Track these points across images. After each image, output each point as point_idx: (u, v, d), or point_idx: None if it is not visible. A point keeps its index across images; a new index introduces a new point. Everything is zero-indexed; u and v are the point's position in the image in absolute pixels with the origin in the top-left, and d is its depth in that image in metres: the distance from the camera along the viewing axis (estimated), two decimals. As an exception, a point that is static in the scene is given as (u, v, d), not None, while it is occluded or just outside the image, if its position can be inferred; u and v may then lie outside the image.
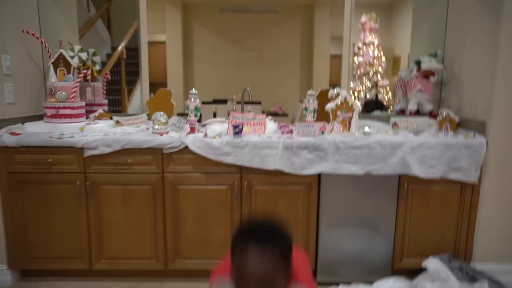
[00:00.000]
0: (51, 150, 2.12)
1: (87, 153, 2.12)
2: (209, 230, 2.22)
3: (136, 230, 2.21)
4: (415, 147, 2.10)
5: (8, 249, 2.21)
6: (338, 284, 2.15)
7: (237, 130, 2.14)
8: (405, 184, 2.18)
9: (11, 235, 2.20)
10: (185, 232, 2.22)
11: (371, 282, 2.10)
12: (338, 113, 2.19)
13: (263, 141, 2.11)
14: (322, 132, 2.18)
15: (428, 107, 2.56)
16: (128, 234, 2.22)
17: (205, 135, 2.15)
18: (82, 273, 2.30)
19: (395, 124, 2.26)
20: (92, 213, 2.19)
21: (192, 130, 2.22)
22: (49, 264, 2.24)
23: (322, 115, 2.29)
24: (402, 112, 2.71)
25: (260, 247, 0.90)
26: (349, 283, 2.16)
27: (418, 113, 2.60)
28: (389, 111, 2.96)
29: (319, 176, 2.18)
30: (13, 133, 2.15)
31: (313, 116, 2.28)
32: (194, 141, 2.10)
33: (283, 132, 2.21)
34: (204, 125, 2.48)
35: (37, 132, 2.22)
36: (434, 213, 2.22)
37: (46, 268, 2.25)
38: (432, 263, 2.11)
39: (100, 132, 2.22)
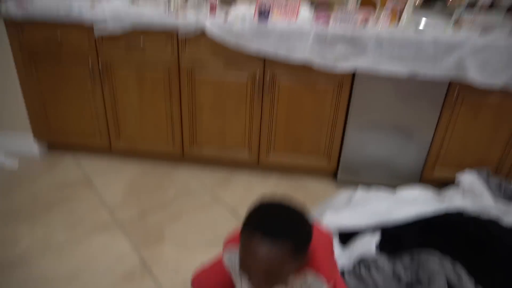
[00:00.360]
0: (60, 26, 1.94)
1: (98, 32, 1.91)
2: (227, 121, 2.11)
3: (151, 115, 2.14)
4: (478, 49, 1.71)
5: (31, 120, 2.25)
6: (358, 185, 2.07)
7: (264, 15, 1.82)
8: (454, 93, 1.87)
9: (32, 108, 2.21)
10: (201, 121, 2.13)
11: (394, 187, 2.00)
12: (388, 1, 1.78)
13: (292, 29, 1.80)
14: (365, 23, 1.81)
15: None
16: (144, 117, 2.15)
17: (227, 19, 1.86)
18: (103, 150, 2.34)
19: (458, 20, 1.82)
20: (107, 95, 2.10)
21: (213, 11, 1.91)
22: (71, 138, 2.28)
23: (367, 2, 1.88)
24: (472, 7, 2.19)
25: (267, 241, 0.78)
26: (369, 184, 2.08)
27: (492, 6, 2.07)
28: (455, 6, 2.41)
29: (353, 75, 1.90)
30: (20, 6, 1.94)
31: (357, 4, 1.87)
32: (213, 25, 1.82)
33: (317, 20, 1.86)
34: (228, 6, 2.14)
35: (48, 6, 1.97)
36: (482, 128, 1.95)
37: (69, 141, 2.31)
38: (467, 177, 1.94)
39: (112, 10, 1.96)
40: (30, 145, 2.33)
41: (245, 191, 2.10)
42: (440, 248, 1.48)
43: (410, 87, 1.89)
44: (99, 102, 2.13)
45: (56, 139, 2.31)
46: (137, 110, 2.14)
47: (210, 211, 1.92)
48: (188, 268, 1.51)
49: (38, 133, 2.30)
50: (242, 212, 1.84)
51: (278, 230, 0.80)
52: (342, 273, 1.54)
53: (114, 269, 1.53)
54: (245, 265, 0.82)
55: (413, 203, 1.73)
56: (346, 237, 1.65)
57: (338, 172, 2.18)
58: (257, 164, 2.27)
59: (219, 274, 1.12)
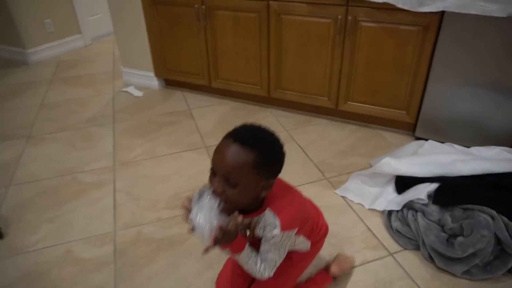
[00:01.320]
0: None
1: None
2: (309, 66, 2.23)
3: (243, 57, 2.40)
4: None
5: (153, 62, 2.76)
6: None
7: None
8: None
9: (153, 49, 2.70)
10: (286, 64, 2.30)
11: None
12: None
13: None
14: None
15: None
16: (237, 59, 2.43)
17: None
18: (205, 89, 2.75)
19: None
20: (209, 37, 2.44)
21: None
22: (181, 76, 2.73)
23: None
24: None
25: (235, 145, 0.86)
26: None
27: None
28: None
29: (441, 15, 1.79)
30: None
31: None
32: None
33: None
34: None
35: None
36: None
37: (179, 80, 2.77)
38: None
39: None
40: (152, 81, 2.87)
41: (319, 136, 2.24)
42: (497, 208, 1.41)
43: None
44: (203, 44, 2.48)
45: (170, 77, 2.79)
46: (232, 53, 2.42)
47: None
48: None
49: (158, 72, 2.81)
50: (310, 154, 2.02)
51: (248, 141, 0.86)
52: (389, 214, 1.61)
53: (196, 178, 1.91)
54: (212, 165, 0.89)
55: (484, 160, 1.62)
56: (403, 187, 1.68)
57: (417, 127, 2.12)
58: (335, 112, 2.36)
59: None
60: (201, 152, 2.12)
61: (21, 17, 3.30)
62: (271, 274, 1.04)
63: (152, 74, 2.83)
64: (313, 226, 1.18)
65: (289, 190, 1.06)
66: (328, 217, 1.61)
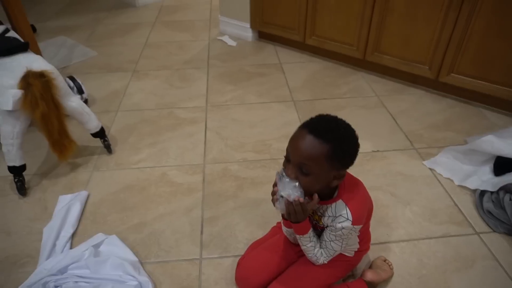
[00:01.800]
0: None
1: None
2: (414, 29, 2.09)
3: (344, 14, 2.31)
4: None
5: (251, 14, 2.79)
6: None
7: None
8: None
9: (253, 2, 2.72)
10: (389, 26, 2.17)
11: None
12: None
13: None
14: None
15: None
16: (337, 16, 2.36)
17: None
18: (297, 45, 2.73)
19: None
20: (311, -9, 2.39)
21: None
22: (275, 30, 2.73)
23: None
24: None
25: (310, 136, 0.87)
26: None
27: None
28: None
29: None
30: None
31: None
32: None
33: None
34: None
35: None
36: None
37: (273, 33, 2.78)
38: None
39: None
40: (247, 32, 2.92)
41: (412, 106, 2.13)
42: None
43: None
44: (303, -1, 2.44)
45: (265, 30, 2.81)
46: (332, 9, 2.35)
47: (372, 113, 2.07)
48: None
49: (254, 24, 2.85)
50: (400, 122, 1.94)
51: (322, 133, 0.87)
52: (482, 194, 1.52)
53: (280, 127, 1.96)
54: (287, 153, 0.92)
55: None
56: (503, 169, 1.56)
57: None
58: (434, 83, 2.21)
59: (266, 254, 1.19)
60: (289, 105, 2.15)
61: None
62: (326, 262, 1.08)
63: (247, 25, 2.88)
64: (367, 228, 1.17)
65: (356, 182, 1.05)
66: (413, 186, 1.59)
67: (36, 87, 1.42)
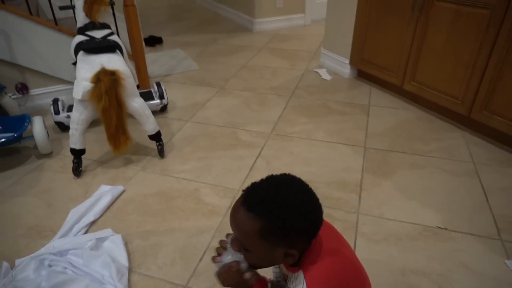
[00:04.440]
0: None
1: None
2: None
3: (451, 61, 1.97)
4: None
5: (352, 47, 2.63)
6: None
7: None
8: None
9: (356, 36, 2.56)
10: (508, 81, 1.75)
11: None
12: None
13: None
14: None
15: None
16: (443, 63, 2.02)
17: None
18: (394, 88, 2.44)
19: None
20: (418, 30, 2.10)
21: None
22: (374, 70, 2.50)
23: None
24: None
25: (242, 209, 0.72)
26: None
27: None
28: None
29: None
30: None
31: None
32: None
33: None
34: None
35: None
36: None
37: (371, 73, 2.54)
38: None
39: None
40: (345, 68, 2.76)
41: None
42: None
43: None
44: (409, 38, 2.17)
45: (364, 68, 2.61)
46: (439, 54, 2.03)
47: (457, 181, 1.67)
48: (389, 214, 1.51)
49: (353, 62, 2.67)
50: (493, 201, 1.56)
51: (254, 206, 0.71)
52: None
53: (336, 172, 1.73)
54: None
55: None
56: None
57: None
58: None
59: None
60: (357, 150, 1.91)
61: (260, -11, 3.74)
62: None
63: (347, 61, 2.72)
64: None
65: (332, 250, 0.81)
66: (477, 287, 1.19)
67: (103, 83, 1.57)
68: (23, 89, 2.27)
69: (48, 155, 1.90)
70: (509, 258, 1.30)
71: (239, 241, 0.78)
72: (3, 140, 1.74)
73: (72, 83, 2.38)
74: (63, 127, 2.09)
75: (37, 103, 2.35)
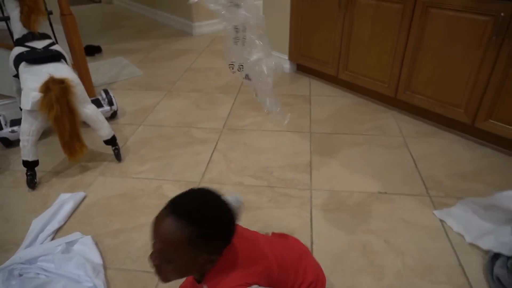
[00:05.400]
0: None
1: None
2: (449, 68, 1.93)
3: (377, 51, 2.23)
4: None
5: (290, 44, 2.83)
6: None
7: None
8: None
9: (292, 34, 2.76)
10: (422, 64, 2.04)
11: None
12: None
13: None
14: None
15: None
16: (369, 52, 2.28)
17: None
18: (331, 79, 2.68)
19: None
20: (346, 25, 2.34)
21: None
22: (311, 63, 2.72)
23: None
24: None
25: (170, 217, 0.77)
26: None
27: None
28: None
29: None
30: None
31: None
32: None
33: None
34: None
35: None
36: None
37: (309, 66, 2.76)
38: None
39: None
40: (285, 64, 2.96)
41: (439, 150, 1.93)
42: None
43: None
44: (338, 33, 2.41)
45: (302, 62, 2.82)
46: (366, 45, 2.29)
47: (391, 153, 1.92)
48: (338, 187, 1.69)
49: (292, 57, 2.87)
50: (421, 166, 1.79)
51: (184, 214, 0.78)
52: (495, 257, 1.29)
53: (287, 157, 1.90)
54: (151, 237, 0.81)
55: None
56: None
57: None
58: (470, 129, 1.99)
59: None
60: (304, 136, 2.09)
61: (196, -6, 3.82)
62: None
63: (286, 57, 2.91)
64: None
65: (236, 264, 0.87)
66: (413, 236, 1.41)
67: (53, 92, 1.58)
68: (-44, 107, 2.15)
69: (-4, 171, 1.84)
70: (436, 209, 1.54)
71: (158, 253, 0.80)
72: None
73: (10, 97, 2.30)
74: (7, 143, 2.02)
75: (-26, 122, 2.23)
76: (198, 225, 0.78)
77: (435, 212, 1.52)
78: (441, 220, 1.48)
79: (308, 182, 1.72)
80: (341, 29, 2.39)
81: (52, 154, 1.93)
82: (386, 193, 1.64)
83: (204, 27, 4.02)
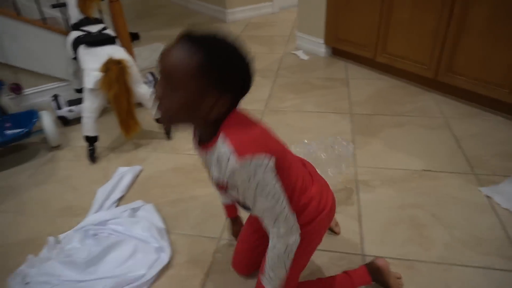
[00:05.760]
0: None
1: None
2: (495, 49, 1.91)
3: (417, 32, 2.23)
4: None
5: (326, 28, 2.85)
6: None
7: None
8: None
9: (328, 17, 2.78)
10: (465, 45, 2.03)
11: None
12: None
13: None
14: None
15: None
16: (410, 34, 2.28)
17: None
18: (367, 62, 2.70)
19: None
20: (385, 7, 2.35)
21: None
22: (348, 46, 2.74)
23: None
24: None
25: (184, 41, 0.71)
26: None
27: None
28: None
29: None
30: None
31: None
32: None
33: None
34: None
35: None
36: None
37: (346, 50, 2.78)
38: None
39: None
40: (320, 48, 2.99)
41: (484, 131, 1.93)
42: None
43: None
44: (377, 14, 2.41)
45: (338, 46, 2.84)
46: (405, 26, 2.29)
47: (433, 134, 1.94)
48: (381, 164, 1.73)
49: (328, 40, 2.90)
50: (465, 146, 1.80)
51: (197, 38, 0.71)
52: None
53: (328, 136, 1.95)
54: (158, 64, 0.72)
55: None
56: None
57: None
58: (515, 109, 1.98)
59: None
60: (344, 116, 2.14)
61: (230, -19, 3.88)
62: (288, 230, 0.86)
63: (322, 41, 2.94)
64: (296, 184, 0.89)
65: (254, 123, 0.82)
66: (461, 211, 1.45)
67: (113, 72, 1.69)
68: (17, 89, 2.30)
69: (57, 147, 1.98)
70: (482, 185, 1.57)
71: (165, 79, 0.72)
72: (14, 136, 1.81)
73: (63, 80, 2.45)
74: (66, 122, 2.16)
75: (31, 102, 2.38)
76: (212, 51, 0.71)
77: (482, 189, 1.55)
78: (488, 197, 1.51)
79: (352, 160, 1.77)
80: (379, 11, 2.40)
81: (107, 132, 2.05)
82: (430, 170, 1.68)
83: (237, 13, 4.08)
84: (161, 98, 0.74)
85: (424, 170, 1.68)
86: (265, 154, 0.75)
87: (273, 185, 0.79)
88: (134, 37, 3.68)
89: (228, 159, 0.74)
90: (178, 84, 0.71)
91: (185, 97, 0.72)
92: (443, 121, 2.04)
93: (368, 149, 1.85)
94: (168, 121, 0.77)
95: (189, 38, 0.71)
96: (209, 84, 0.72)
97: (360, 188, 1.59)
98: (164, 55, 0.72)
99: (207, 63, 0.70)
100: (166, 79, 0.72)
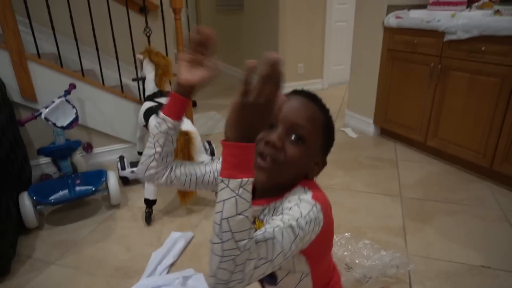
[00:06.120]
0: (418, 32, 2.45)
1: (446, 38, 2.27)
2: (554, 146, 1.89)
3: (471, 119, 2.26)
4: None
5: (376, 108, 2.96)
6: None
7: None
8: None
9: (379, 99, 2.90)
10: (522, 138, 2.02)
11: None
12: None
13: None
14: None
15: None
16: (463, 121, 2.31)
17: None
18: (417, 145, 2.72)
19: None
20: (437, 94, 2.43)
21: None
22: (397, 128, 2.80)
23: None
24: None
25: (311, 99, 0.79)
26: None
27: None
28: None
29: None
30: (397, 17, 2.63)
31: None
32: None
33: None
34: None
35: (415, 17, 2.56)
36: None
37: (394, 131, 2.84)
38: None
39: (470, 20, 2.23)
40: (369, 127, 3.07)
41: (548, 227, 1.84)
42: None
43: None
44: (429, 100, 2.49)
45: (387, 127, 2.91)
46: (458, 114, 2.33)
47: (490, 226, 1.86)
48: (435, 254, 1.68)
49: (377, 121, 2.99)
50: None
51: (319, 101, 0.80)
52: None
53: (380, 219, 1.93)
54: (273, 119, 0.63)
55: None
56: None
57: None
58: None
59: None
60: (395, 199, 2.12)
61: (285, 57, 4.19)
62: (263, 259, 0.61)
63: (371, 120, 3.03)
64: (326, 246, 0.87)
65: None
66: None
67: (179, 142, 1.84)
68: (88, 148, 2.55)
69: (117, 206, 2.11)
70: (551, 292, 1.46)
71: (289, 132, 0.73)
72: (83, 192, 1.98)
73: (128, 142, 2.68)
74: (126, 181, 2.33)
75: (97, 160, 2.61)
76: (328, 114, 0.80)
77: (549, 294, 1.44)
78: (556, 305, 1.40)
79: (403, 246, 1.73)
80: (431, 98, 2.47)
81: (162, 195, 2.18)
82: (490, 268, 1.59)
83: (288, 89, 4.32)
84: (278, 149, 0.73)
85: (483, 266, 1.60)
86: (326, 209, 0.75)
87: (302, 231, 0.67)
88: (193, 104, 4.00)
89: (303, 193, 0.74)
90: (305, 137, 0.75)
91: (306, 151, 0.75)
92: (501, 213, 1.97)
93: (421, 237, 1.80)
94: (276, 171, 0.74)
95: (314, 99, 0.79)
96: (321, 144, 0.80)
97: (412, 279, 1.54)
98: (289, 109, 0.74)
99: (328, 125, 0.80)
100: (289, 131, 0.74)
